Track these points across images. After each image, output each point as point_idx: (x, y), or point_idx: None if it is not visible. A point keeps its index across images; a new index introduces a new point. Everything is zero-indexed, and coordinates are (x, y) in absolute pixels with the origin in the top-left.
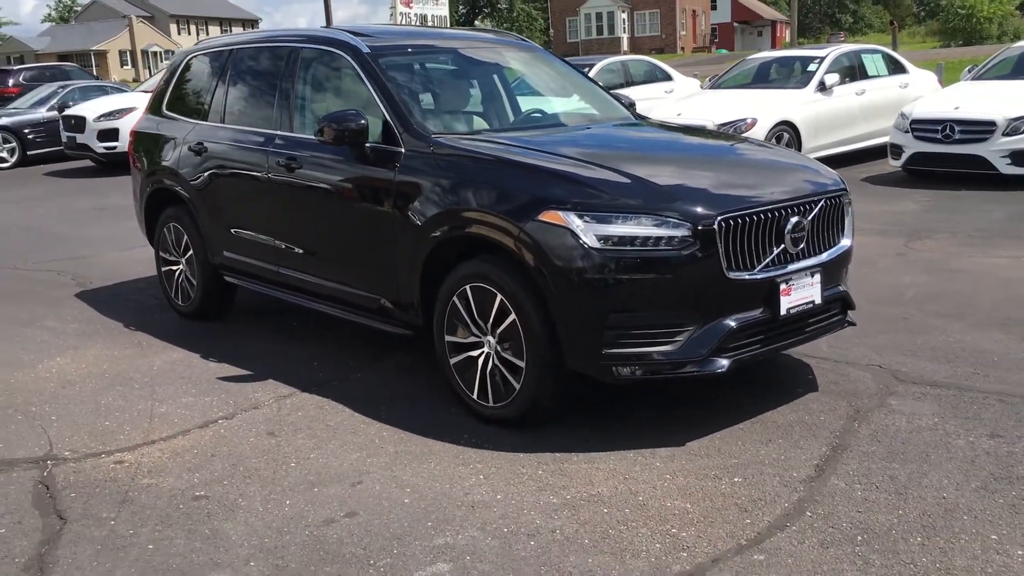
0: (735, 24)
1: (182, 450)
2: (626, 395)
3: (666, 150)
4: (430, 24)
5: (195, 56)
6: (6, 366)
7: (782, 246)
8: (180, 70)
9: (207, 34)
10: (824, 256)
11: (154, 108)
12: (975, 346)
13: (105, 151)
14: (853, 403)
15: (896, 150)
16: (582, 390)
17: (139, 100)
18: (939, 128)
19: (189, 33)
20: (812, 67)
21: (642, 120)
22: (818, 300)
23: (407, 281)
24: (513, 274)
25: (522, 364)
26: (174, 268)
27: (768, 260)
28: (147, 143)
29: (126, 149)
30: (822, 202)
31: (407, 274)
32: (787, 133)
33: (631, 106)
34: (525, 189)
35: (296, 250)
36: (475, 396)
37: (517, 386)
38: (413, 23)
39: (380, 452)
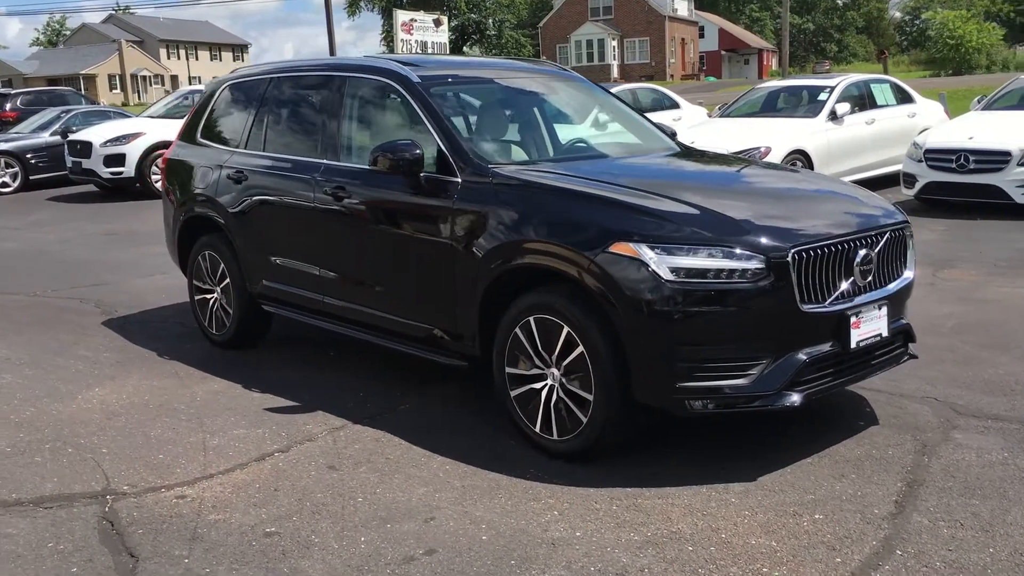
0: (723, 52)
1: (243, 484)
2: (686, 427)
3: (726, 181)
4: (430, 51)
5: (231, 84)
6: (47, 397)
7: (851, 279)
8: (216, 98)
9: (196, 59)
10: (891, 288)
11: (188, 136)
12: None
13: (111, 176)
14: (918, 437)
15: (909, 179)
16: (645, 422)
17: (146, 126)
18: (953, 158)
19: (179, 58)
20: (823, 96)
21: (688, 149)
22: (885, 333)
23: (464, 311)
24: (581, 306)
25: (590, 397)
26: (208, 296)
27: (838, 293)
28: (181, 171)
29: (132, 174)
30: (888, 234)
31: (464, 304)
32: (800, 162)
33: (673, 135)
34: (594, 220)
35: (342, 279)
36: (537, 429)
37: (584, 419)
38: (414, 50)
39: (447, 487)
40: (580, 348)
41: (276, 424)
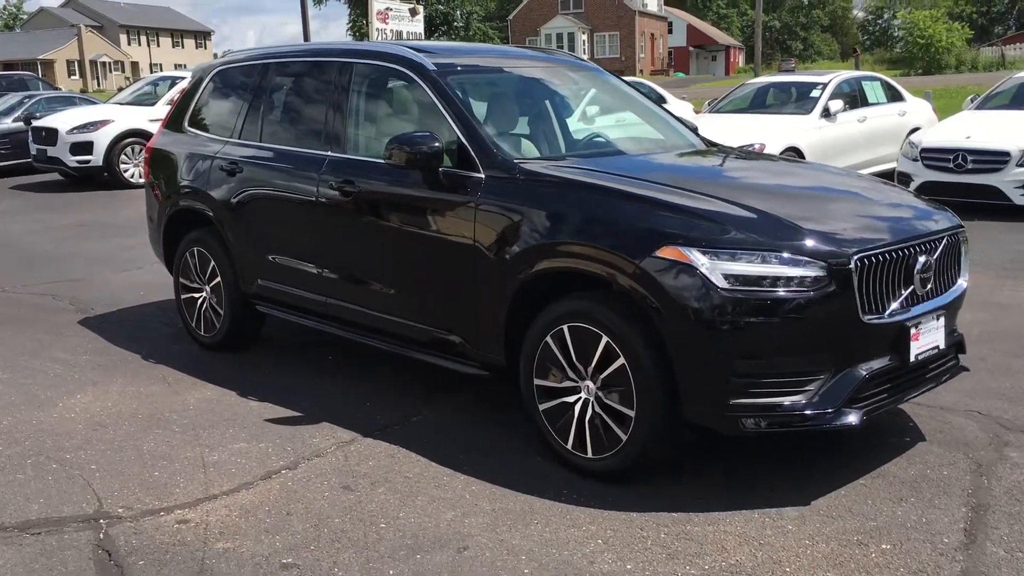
0: (691, 48)
1: (252, 507)
2: (721, 442)
3: (769, 180)
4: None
5: (223, 69)
6: (24, 405)
7: (911, 287)
8: (205, 84)
9: (158, 46)
10: (948, 297)
11: (174, 124)
12: None
13: (78, 165)
14: (970, 455)
15: (904, 178)
16: (691, 440)
17: (114, 113)
18: (951, 157)
19: (140, 44)
20: (815, 93)
21: (716, 145)
22: (943, 344)
23: (487, 317)
24: (623, 315)
25: (631, 413)
26: (196, 296)
27: (898, 303)
28: (167, 161)
29: (100, 163)
30: (945, 239)
31: (488, 310)
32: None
33: (695, 130)
34: (639, 222)
35: (348, 280)
36: (570, 446)
37: (623, 437)
38: (389, 39)
39: (476, 511)
40: (620, 360)
41: (279, 437)
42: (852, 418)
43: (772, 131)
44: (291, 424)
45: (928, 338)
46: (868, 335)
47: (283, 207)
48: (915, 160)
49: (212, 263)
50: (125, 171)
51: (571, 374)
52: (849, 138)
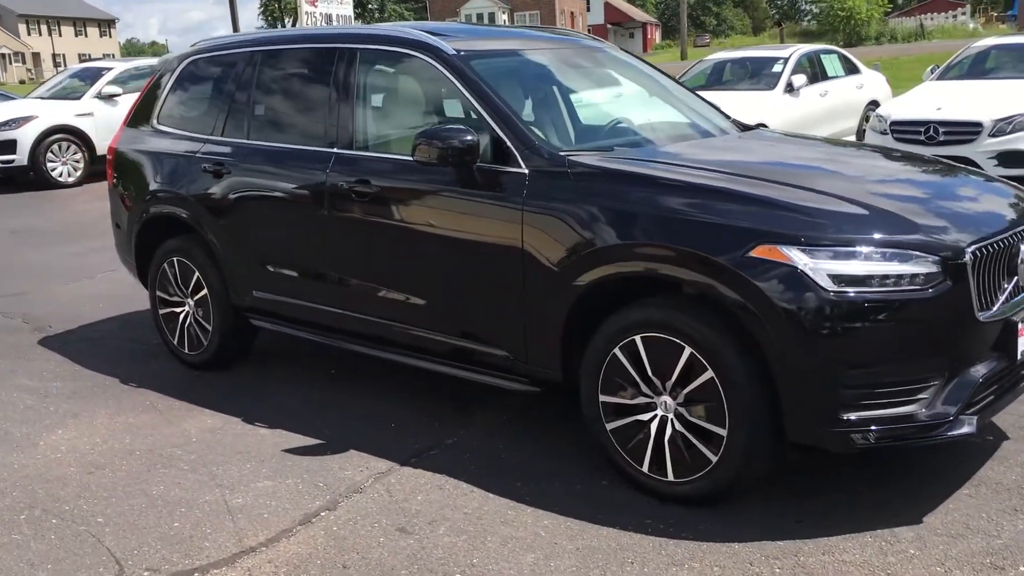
0: (608, 26)
1: (300, 561)
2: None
3: (849, 168)
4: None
5: (198, 59)
6: (0, 446)
7: (1015, 278)
8: (177, 75)
9: (60, 35)
10: None
11: (141, 120)
12: None
13: (2, 165)
14: None
15: None
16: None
17: (37, 108)
18: (922, 130)
19: (40, 34)
20: (776, 68)
21: (757, 129)
22: None
23: (541, 329)
24: (710, 323)
25: (721, 432)
26: (178, 310)
27: (1005, 296)
28: (135, 163)
29: (25, 162)
30: None
31: (541, 321)
32: None
33: (723, 113)
34: (726, 219)
35: (371, 291)
36: (646, 469)
37: (713, 458)
38: (319, 23)
39: (559, 551)
40: (708, 373)
41: (306, 471)
42: (969, 427)
43: (738, 108)
44: (314, 455)
45: None
46: (981, 334)
47: (283, 211)
48: (884, 133)
49: (196, 274)
50: (53, 170)
51: (645, 389)
52: (812, 113)
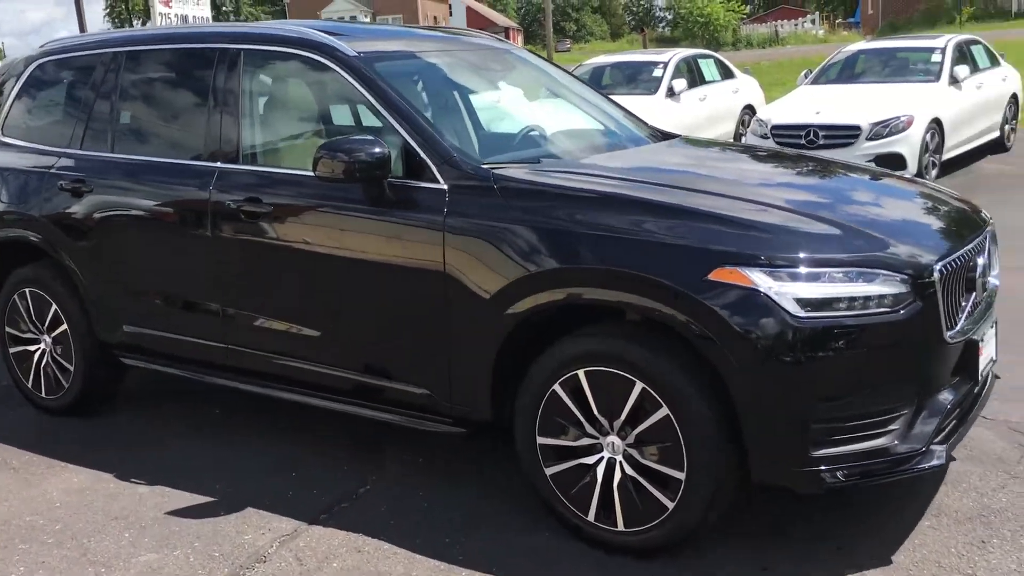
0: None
1: None
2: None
3: (801, 180)
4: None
5: (48, 62)
6: None
7: (973, 295)
8: (23, 81)
9: None
10: (991, 299)
11: None
12: None
13: None
14: (1013, 473)
15: None
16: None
17: None
18: (802, 134)
19: None
20: (657, 72)
21: (675, 136)
22: (995, 355)
23: (467, 364)
24: (665, 354)
25: (679, 475)
26: (31, 348)
27: (965, 314)
28: None
29: None
30: (988, 237)
31: (468, 355)
32: None
33: (638, 118)
34: (681, 239)
35: (263, 323)
36: (592, 517)
37: (670, 504)
38: (174, 23)
39: None
40: (663, 410)
41: (197, 539)
42: (939, 458)
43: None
44: (206, 517)
45: (988, 350)
46: (948, 356)
47: (157, 233)
48: (765, 137)
49: (53, 307)
50: None
51: (590, 429)
52: (694, 117)
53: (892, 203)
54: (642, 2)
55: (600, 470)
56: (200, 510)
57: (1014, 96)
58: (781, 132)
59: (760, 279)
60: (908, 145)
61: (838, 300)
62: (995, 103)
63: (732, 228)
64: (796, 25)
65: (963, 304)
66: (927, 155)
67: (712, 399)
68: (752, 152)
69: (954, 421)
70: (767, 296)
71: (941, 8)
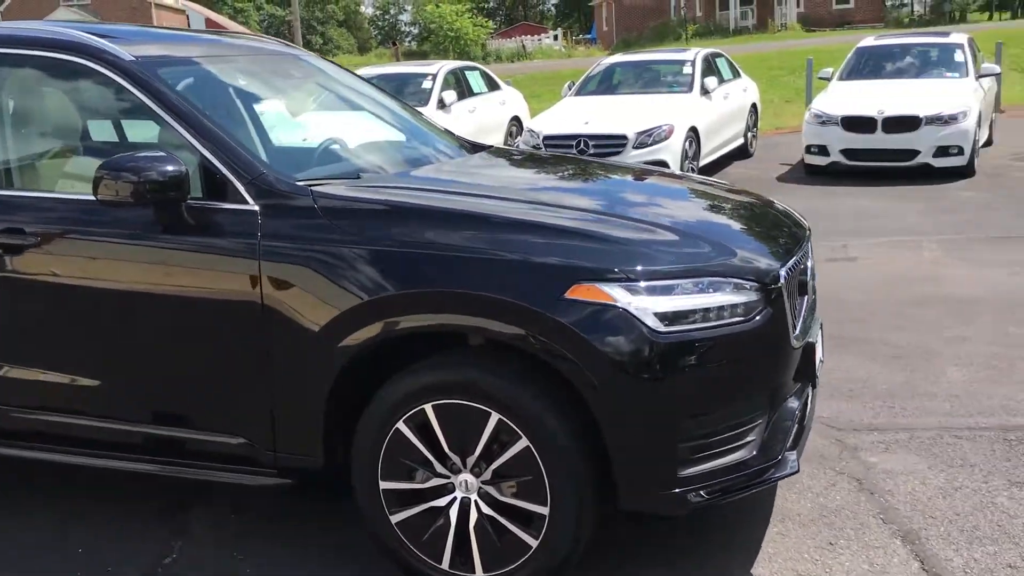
0: None
1: None
2: None
3: (626, 189)
4: None
5: None
6: None
7: (805, 296)
8: None
9: None
10: (815, 302)
11: None
12: (854, 374)
13: None
14: (840, 470)
15: None
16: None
17: None
18: (573, 144)
19: None
20: (426, 84)
21: (485, 147)
22: (823, 356)
23: (297, 406)
24: (522, 381)
25: (543, 510)
26: None
27: (801, 317)
28: None
29: None
30: (809, 240)
31: (295, 397)
32: None
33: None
34: (533, 255)
35: (22, 374)
36: (446, 566)
37: (533, 543)
38: None
39: None
40: (522, 442)
41: None
42: (791, 467)
43: None
44: None
45: (819, 351)
46: (793, 361)
47: None
48: (536, 148)
49: None
50: None
51: (440, 468)
52: (464, 129)
53: (726, 212)
54: (387, 16)
55: (454, 512)
56: None
57: (754, 106)
58: (553, 143)
59: (619, 295)
60: (671, 153)
61: (695, 312)
62: (739, 112)
63: (584, 242)
64: (538, 40)
65: (799, 308)
66: (687, 162)
67: (575, 426)
68: (568, 163)
69: (798, 427)
70: (628, 312)
71: (668, 26)
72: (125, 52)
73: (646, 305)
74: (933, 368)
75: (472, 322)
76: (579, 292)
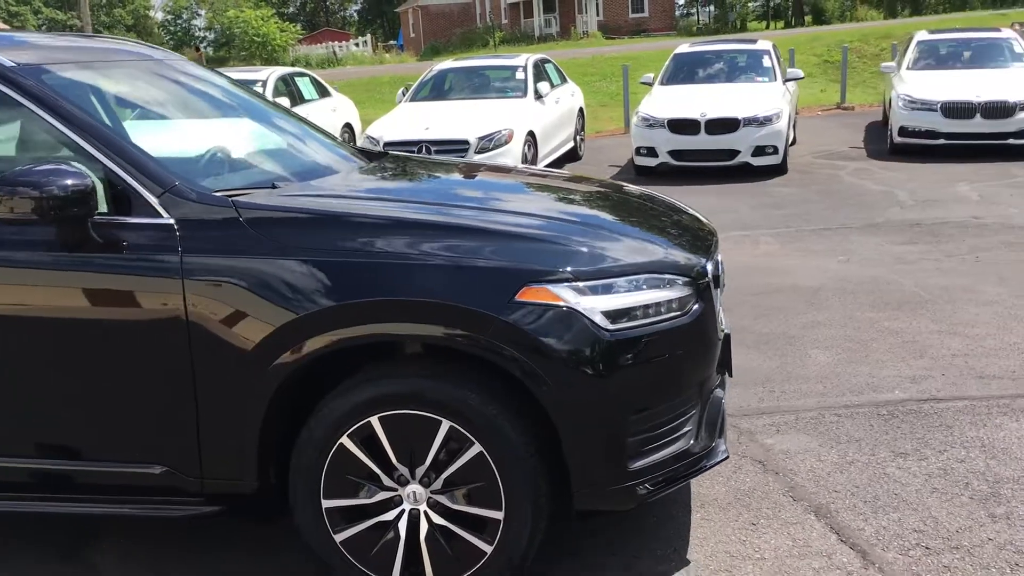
0: None
1: None
2: None
3: (539, 190)
4: None
5: None
6: None
7: (719, 288)
8: None
9: None
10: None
11: None
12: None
13: None
14: (741, 452)
15: None
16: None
17: None
18: (415, 149)
19: None
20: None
21: (384, 154)
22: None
23: (228, 429)
24: (474, 387)
25: (497, 515)
26: None
27: (720, 310)
28: None
29: None
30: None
31: (225, 418)
32: None
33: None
34: (478, 259)
35: None
36: None
37: (488, 548)
38: None
39: None
40: (475, 448)
41: None
42: (723, 453)
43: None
44: None
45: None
46: (718, 351)
47: None
48: None
49: None
50: None
51: (387, 481)
52: None
53: (647, 212)
54: (180, 21)
55: (403, 525)
56: None
57: (581, 110)
58: (395, 149)
59: (568, 295)
60: (512, 156)
61: (637, 309)
62: (569, 116)
63: (528, 244)
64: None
65: (717, 299)
66: (525, 165)
67: (528, 429)
68: (476, 167)
69: (718, 414)
70: (577, 312)
71: (476, 33)
72: (4, 59)
73: (593, 304)
74: (799, 352)
75: (417, 330)
76: (529, 294)
